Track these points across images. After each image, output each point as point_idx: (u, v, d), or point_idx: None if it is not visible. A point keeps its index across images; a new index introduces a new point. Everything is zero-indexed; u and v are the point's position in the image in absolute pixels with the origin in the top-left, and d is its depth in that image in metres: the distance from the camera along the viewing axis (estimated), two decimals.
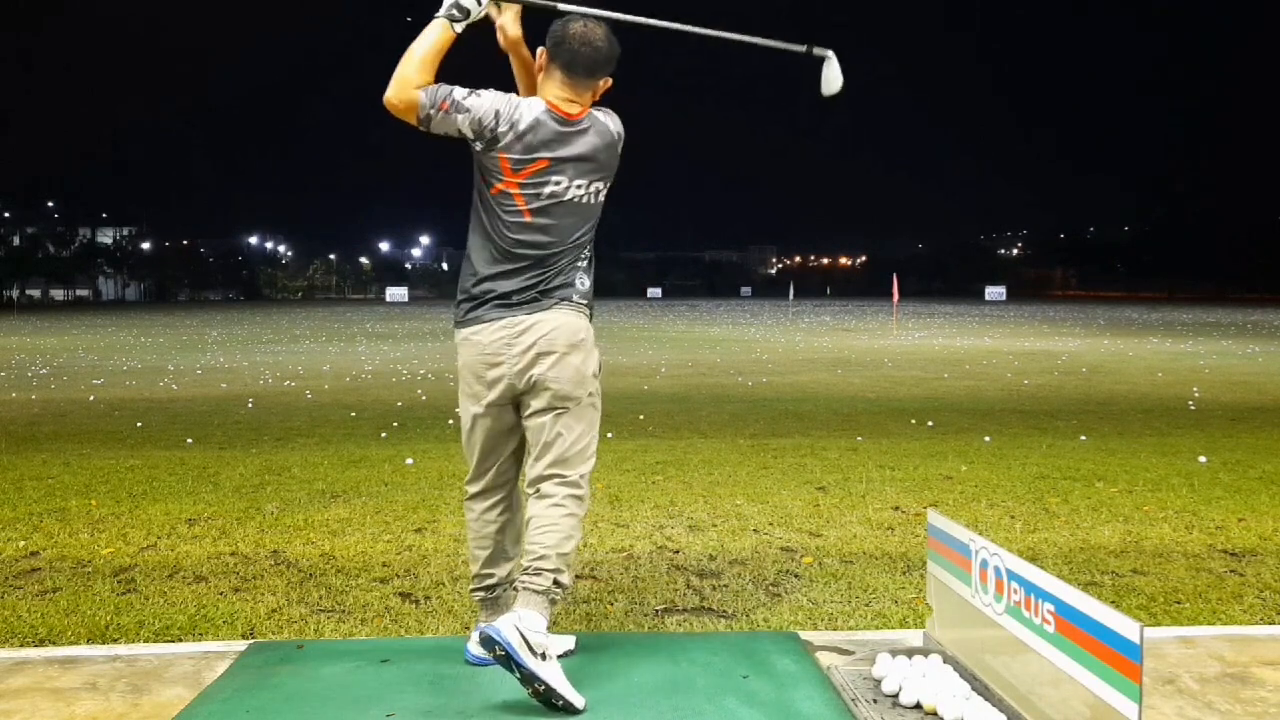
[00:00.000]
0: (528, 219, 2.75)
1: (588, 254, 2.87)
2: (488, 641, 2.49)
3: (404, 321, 35.88)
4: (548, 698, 2.49)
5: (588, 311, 2.86)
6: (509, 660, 2.47)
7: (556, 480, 2.77)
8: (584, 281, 2.85)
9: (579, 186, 2.77)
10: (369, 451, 6.88)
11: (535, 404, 2.78)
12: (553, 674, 2.52)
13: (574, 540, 2.72)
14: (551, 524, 2.70)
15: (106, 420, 9.00)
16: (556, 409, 2.78)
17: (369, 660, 2.92)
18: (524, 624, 2.52)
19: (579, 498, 2.77)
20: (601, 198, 2.84)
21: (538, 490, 2.78)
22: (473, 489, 2.94)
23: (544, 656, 2.52)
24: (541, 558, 2.65)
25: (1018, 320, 35.21)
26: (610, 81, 2.82)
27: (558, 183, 2.74)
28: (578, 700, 2.53)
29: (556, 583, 2.64)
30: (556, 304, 2.79)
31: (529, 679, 2.48)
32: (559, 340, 2.75)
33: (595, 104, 2.82)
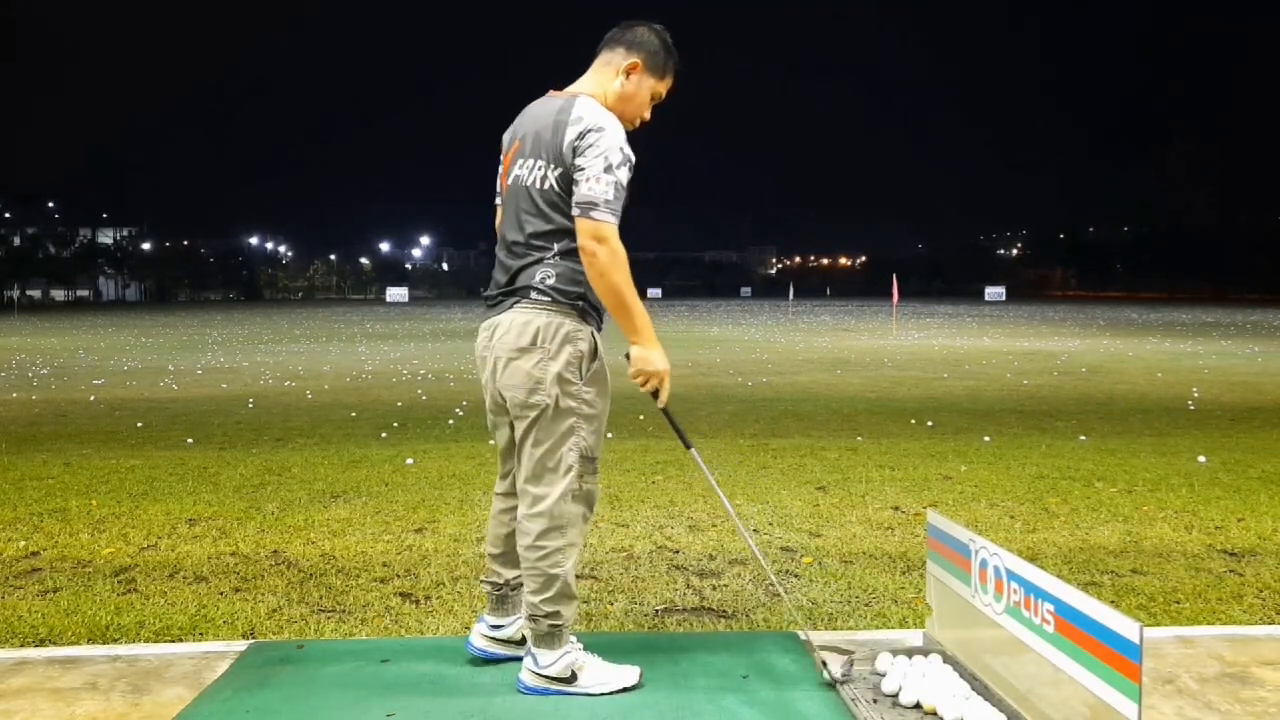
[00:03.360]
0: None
1: (557, 248, 2.60)
2: (524, 692, 2.66)
3: (404, 322, 35.88)
4: (612, 695, 2.64)
5: (556, 308, 2.58)
6: (559, 697, 2.63)
7: (529, 505, 2.61)
8: (549, 275, 2.58)
9: (530, 168, 2.65)
10: (369, 451, 6.88)
11: (510, 413, 2.68)
12: (594, 682, 2.65)
13: (560, 580, 2.58)
14: (530, 570, 2.60)
15: (107, 420, 9.00)
16: (520, 418, 2.62)
17: (369, 660, 2.92)
18: (540, 665, 2.63)
19: (555, 529, 2.57)
20: (554, 187, 2.58)
21: (519, 511, 2.67)
22: (496, 487, 2.90)
23: (573, 676, 2.63)
24: (529, 604, 2.63)
25: (1017, 320, 35.20)
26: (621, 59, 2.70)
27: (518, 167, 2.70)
28: (631, 677, 2.68)
29: (550, 625, 2.62)
30: (521, 304, 2.62)
31: (584, 699, 2.62)
32: (509, 343, 2.60)
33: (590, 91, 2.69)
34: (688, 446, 2.85)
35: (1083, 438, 7.50)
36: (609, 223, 2.48)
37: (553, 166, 2.57)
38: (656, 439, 7.40)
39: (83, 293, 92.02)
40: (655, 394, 2.71)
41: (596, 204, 2.47)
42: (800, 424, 8.42)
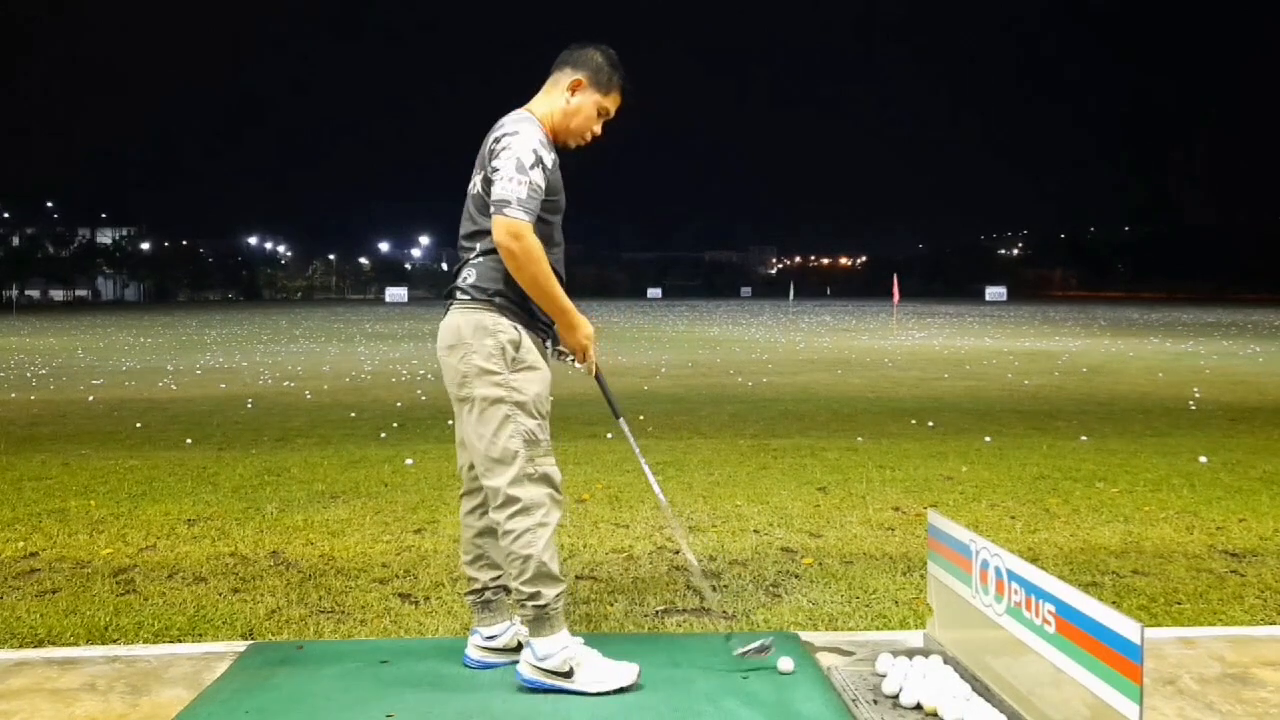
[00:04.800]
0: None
1: (479, 248, 2.74)
2: (524, 687, 2.67)
3: (403, 322, 35.88)
4: (610, 695, 2.63)
5: (475, 305, 2.70)
6: (560, 694, 2.64)
7: (492, 498, 2.69)
8: (469, 275, 2.73)
9: (473, 177, 2.80)
10: (369, 452, 6.88)
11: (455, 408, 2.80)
12: (591, 679, 2.64)
13: (534, 560, 2.62)
14: (509, 557, 2.67)
15: (106, 421, 8.99)
16: (458, 413, 2.76)
17: (369, 660, 2.92)
18: (538, 656, 2.66)
19: (521, 510, 2.65)
20: (481, 192, 2.72)
21: (489, 508, 2.74)
22: (461, 489, 2.95)
23: (571, 672, 2.64)
24: (514, 592, 2.69)
25: (1018, 320, 35.20)
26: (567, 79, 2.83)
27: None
28: (630, 676, 2.67)
29: (535, 607, 2.64)
30: (452, 305, 2.77)
31: (583, 698, 2.62)
32: (441, 343, 2.76)
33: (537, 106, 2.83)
34: (617, 416, 3.00)
35: (1084, 438, 7.49)
36: (521, 220, 2.60)
37: (479, 173, 2.74)
38: (656, 439, 7.40)
39: (82, 293, 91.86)
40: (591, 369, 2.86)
41: (509, 202, 2.59)
42: (800, 424, 8.41)
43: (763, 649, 2.80)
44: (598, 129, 2.88)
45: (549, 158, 2.68)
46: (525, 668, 2.68)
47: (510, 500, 2.65)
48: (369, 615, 3.43)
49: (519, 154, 2.62)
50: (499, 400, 2.66)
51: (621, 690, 2.64)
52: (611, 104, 2.87)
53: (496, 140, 2.67)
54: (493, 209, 2.62)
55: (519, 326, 2.70)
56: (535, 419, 2.69)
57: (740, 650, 2.81)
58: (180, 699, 2.64)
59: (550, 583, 2.64)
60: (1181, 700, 2.62)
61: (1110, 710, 1.99)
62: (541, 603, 2.63)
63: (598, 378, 2.92)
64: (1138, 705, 1.91)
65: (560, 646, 2.65)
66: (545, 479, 2.69)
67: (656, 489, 3.00)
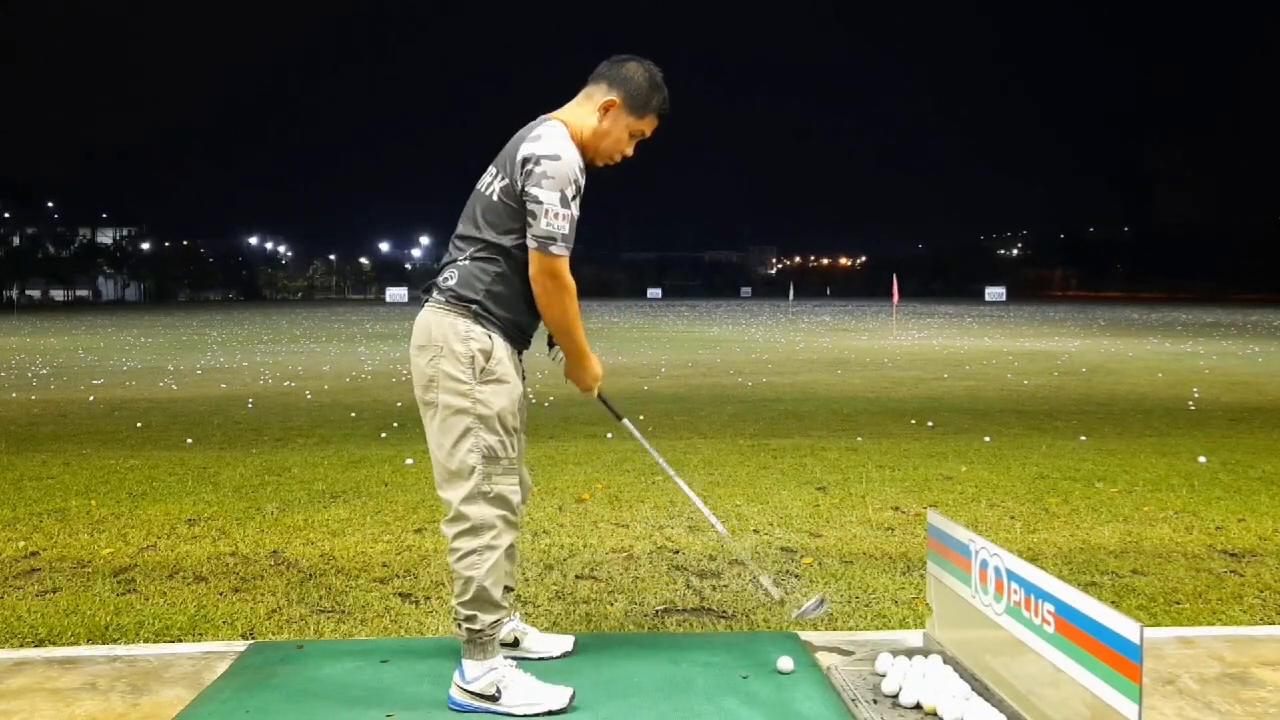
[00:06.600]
0: None
1: (469, 252, 2.64)
2: (454, 709, 2.60)
3: (403, 322, 35.87)
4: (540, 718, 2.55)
5: (450, 308, 2.60)
6: (483, 714, 2.57)
7: (446, 511, 2.59)
8: (451, 277, 2.63)
9: (488, 176, 2.69)
10: (369, 452, 6.88)
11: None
12: (518, 702, 2.55)
13: (475, 583, 2.53)
14: (452, 573, 2.61)
15: (106, 420, 8.99)
16: (423, 417, 2.65)
17: (369, 660, 2.92)
18: (466, 679, 2.59)
19: (470, 530, 2.54)
20: (495, 197, 2.62)
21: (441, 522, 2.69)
22: None
23: (497, 695, 2.56)
24: (452, 607, 2.63)
25: (1018, 321, 35.21)
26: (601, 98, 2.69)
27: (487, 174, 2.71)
28: (560, 700, 2.57)
29: (469, 630, 2.57)
30: (428, 303, 2.68)
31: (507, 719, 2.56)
32: (413, 341, 2.66)
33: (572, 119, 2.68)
34: (619, 418, 3.03)
35: (1083, 438, 7.50)
36: (564, 257, 2.55)
37: (500, 176, 2.62)
38: (656, 439, 7.40)
39: (82, 293, 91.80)
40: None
41: (555, 239, 2.53)
42: (800, 424, 8.41)
43: (820, 604, 2.86)
44: (630, 150, 2.75)
45: (582, 185, 2.59)
46: (454, 690, 2.60)
47: (460, 517, 2.55)
48: (369, 615, 3.44)
49: (563, 186, 2.51)
50: (462, 411, 2.55)
51: (550, 714, 2.54)
52: (647, 126, 2.73)
53: (535, 161, 2.51)
54: (534, 243, 2.53)
55: (493, 336, 2.59)
56: (498, 434, 2.57)
57: (797, 614, 2.89)
58: (180, 699, 2.64)
59: (489, 609, 2.55)
60: (1181, 700, 2.62)
61: (1110, 710, 1.99)
62: (476, 627, 2.55)
63: (600, 397, 2.92)
64: (1137, 705, 1.92)
65: (488, 668, 2.57)
66: (500, 499, 2.57)
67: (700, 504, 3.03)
